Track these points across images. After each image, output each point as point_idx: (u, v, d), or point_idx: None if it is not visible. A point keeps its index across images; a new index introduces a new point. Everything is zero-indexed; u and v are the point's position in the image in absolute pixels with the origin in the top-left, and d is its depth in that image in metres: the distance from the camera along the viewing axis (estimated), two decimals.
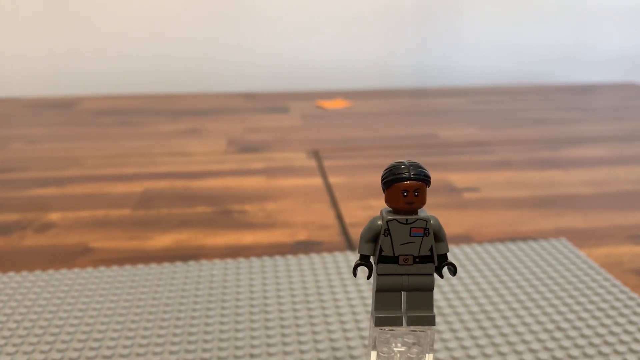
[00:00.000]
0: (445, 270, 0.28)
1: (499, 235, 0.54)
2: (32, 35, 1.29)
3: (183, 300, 0.43)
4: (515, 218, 0.59)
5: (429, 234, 0.27)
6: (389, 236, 0.27)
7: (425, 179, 0.27)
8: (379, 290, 0.28)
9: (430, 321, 0.28)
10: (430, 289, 0.28)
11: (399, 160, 0.27)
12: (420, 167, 0.27)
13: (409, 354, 0.29)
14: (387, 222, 0.27)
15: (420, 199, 0.27)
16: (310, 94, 1.28)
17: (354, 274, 0.28)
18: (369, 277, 0.28)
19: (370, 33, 1.37)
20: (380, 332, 0.28)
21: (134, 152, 0.84)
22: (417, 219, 0.27)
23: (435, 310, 0.29)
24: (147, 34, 1.31)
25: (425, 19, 1.37)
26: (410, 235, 0.27)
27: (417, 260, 0.27)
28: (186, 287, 0.45)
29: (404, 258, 0.27)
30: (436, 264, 0.28)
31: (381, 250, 0.27)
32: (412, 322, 0.28)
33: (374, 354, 0.28)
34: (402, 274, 0.27)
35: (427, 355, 0.29)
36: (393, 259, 0.27)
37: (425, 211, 0.27)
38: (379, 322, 0.28)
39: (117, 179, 0.72)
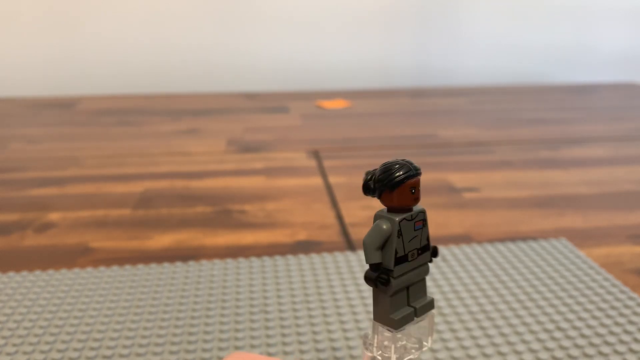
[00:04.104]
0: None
1: (499, 235, 0.54)
2: (32, 36, 1.29)
3: (183, 300, 0.43)
4: (515, 218, 0.59)
5: (426, 223, 0.27)
6: (401, 237, 0.27)
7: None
8: (395, 293, 0.27)
9: (431, 305, 0.29)
10: (427, 274, 0.28)
11: (391, 160, 0.27)
12: (413, 162, 0.27)
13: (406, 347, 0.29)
14: (399, 223, 0.27)
15: (419, 193, 0.27)
16: (310, 94, 1.28)
17: (376, 285, 0.27)
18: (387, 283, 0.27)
19: (370, 33, 1.37)
20: (397, 334, 0.28)
21: (134, 152, 0.84)
22: (418, 212, 0.27)
23: (434, 311, 0.29)
24: (147, 33, 1.31)
25: (425, 19, 1.37)
26: (414, 230, 0.27)
27: (419, 252, 0.28)
28: (186, 287, 0.45)
29: (411, 253, 0.27)
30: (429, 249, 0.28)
31: (396, 252, 0.27)
32: (420, 312, 0.28)
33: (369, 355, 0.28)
34: (411, 270, 0.28)
35: (429, 338, 0.29)
36: (404, 258, 0.27)
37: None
38: (400, 323, 0.27)
39: (117, 179, 0.72)
